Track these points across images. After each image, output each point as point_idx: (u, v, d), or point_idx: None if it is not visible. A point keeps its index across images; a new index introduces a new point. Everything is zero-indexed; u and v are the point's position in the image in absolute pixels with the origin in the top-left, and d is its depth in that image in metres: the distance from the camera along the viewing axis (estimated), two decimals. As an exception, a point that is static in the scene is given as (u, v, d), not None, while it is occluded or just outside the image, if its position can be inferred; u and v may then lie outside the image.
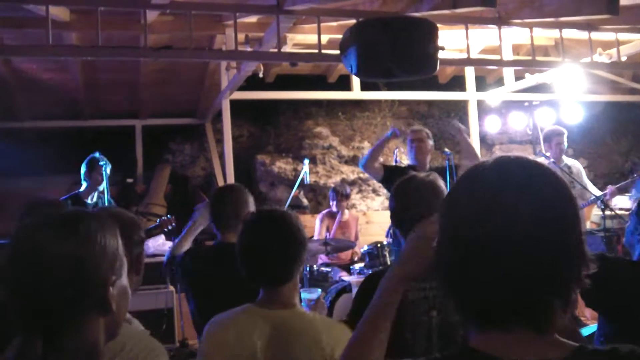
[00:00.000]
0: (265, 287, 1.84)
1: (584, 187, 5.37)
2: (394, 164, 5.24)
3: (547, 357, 0.85)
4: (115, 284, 1.09)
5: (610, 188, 5.39)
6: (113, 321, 1.12)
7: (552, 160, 5.15)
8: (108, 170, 4.63)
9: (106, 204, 4.61)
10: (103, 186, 4.64)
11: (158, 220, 4.30)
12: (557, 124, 5.87)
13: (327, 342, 1.72)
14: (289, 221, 1.85)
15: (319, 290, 3.00)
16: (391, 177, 4.14)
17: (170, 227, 4.02)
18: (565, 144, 5.48)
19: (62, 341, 1.05)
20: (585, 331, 3.32)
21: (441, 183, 2.11)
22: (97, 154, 4.73)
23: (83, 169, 4.67)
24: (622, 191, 5.64)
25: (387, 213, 2.17)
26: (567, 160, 5.59)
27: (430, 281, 1.89)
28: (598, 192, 5.44)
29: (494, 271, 0.84)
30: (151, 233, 4.20)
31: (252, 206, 2.70)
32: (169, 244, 5.23)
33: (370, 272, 4.21)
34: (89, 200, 4.63)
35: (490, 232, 0.85)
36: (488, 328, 0.87)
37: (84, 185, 4.68)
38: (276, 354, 1.71)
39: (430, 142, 4.57)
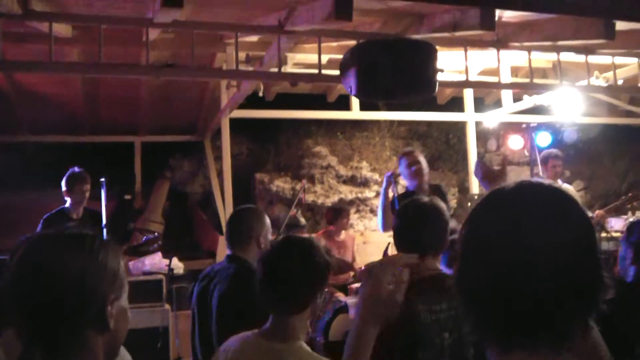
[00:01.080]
0: (274, 315, 1.80)
1: None
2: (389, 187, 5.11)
3: None
4: (114, 304, 1.11)
5: (597, 213, 5.40)
6: (112, 341, 1.13)
7: None
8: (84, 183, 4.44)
9: (103, 221, 4.57)
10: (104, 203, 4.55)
11: (144, 238, 4.27)
12: (554, 146, 5.89)
13: None
14: (308, 251, 1.79)
15: None
16: None
17: (155, 246, 4.00)
18: (562, 166, 5.50)
19: (60, 356, 1.06)
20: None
21: (442, 205, 2.16)
22: (76, 169, 4.52)
23: (63, 187, 4.47)
24: (612, 212, 5.64)
25: (384, 233, 2.21)
26: (562, 184, 5.60)
27: (441, 303, 1.93)
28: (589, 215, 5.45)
29: (518, 292, 0.86)
30: (139, 250, 4.17)
31: (267, 227, 2.80)
32: (165, 261, 5.21)
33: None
34: (74, 217, 4.51)
35: (514, 255, 0.87)
36: (511, 348, 0.89)
37: (68, 202, 4.52)
38: None
39: (424, 162, 4.45)
